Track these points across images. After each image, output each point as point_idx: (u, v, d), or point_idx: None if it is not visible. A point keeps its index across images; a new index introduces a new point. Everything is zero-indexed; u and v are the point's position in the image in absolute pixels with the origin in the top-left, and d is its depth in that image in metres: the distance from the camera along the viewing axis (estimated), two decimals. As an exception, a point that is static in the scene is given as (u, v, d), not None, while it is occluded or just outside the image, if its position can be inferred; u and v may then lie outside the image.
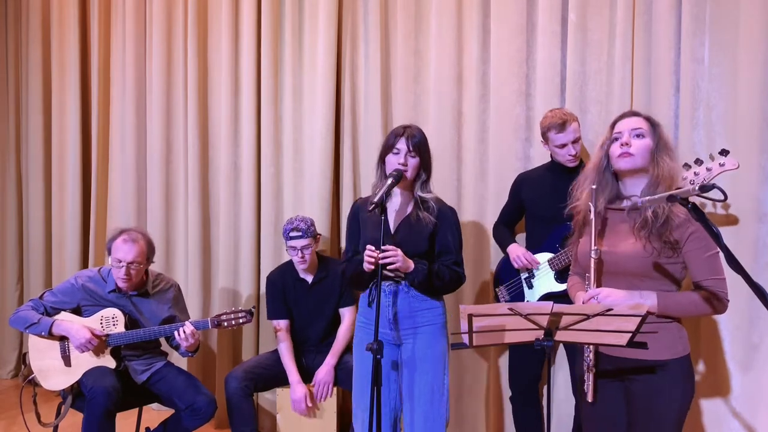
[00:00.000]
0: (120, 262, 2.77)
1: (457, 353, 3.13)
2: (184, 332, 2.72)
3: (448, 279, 2.29)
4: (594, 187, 1.92)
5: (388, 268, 2.20)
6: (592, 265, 1.88)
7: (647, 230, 1.83)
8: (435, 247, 2.33)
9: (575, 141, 2.66)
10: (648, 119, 1.92)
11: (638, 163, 1.87)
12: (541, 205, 2.75)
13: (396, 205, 2.37)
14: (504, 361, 3.11)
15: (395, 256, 2.18)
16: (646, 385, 1.86)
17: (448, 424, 2.34)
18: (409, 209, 2.35)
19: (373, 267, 2.20)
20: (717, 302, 1.82)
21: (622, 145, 1.88)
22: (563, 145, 2.66)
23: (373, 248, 2.19)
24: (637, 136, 1.88)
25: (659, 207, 1.81)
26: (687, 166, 2.48)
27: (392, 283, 2.32)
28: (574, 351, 2.49)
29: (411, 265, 2.25)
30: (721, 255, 1.61)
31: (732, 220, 2.63)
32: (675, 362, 1.85)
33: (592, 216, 1.90)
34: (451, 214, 2.37)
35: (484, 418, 3.20)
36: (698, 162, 2.46)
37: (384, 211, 2.20)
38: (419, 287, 2.29)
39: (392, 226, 2.34)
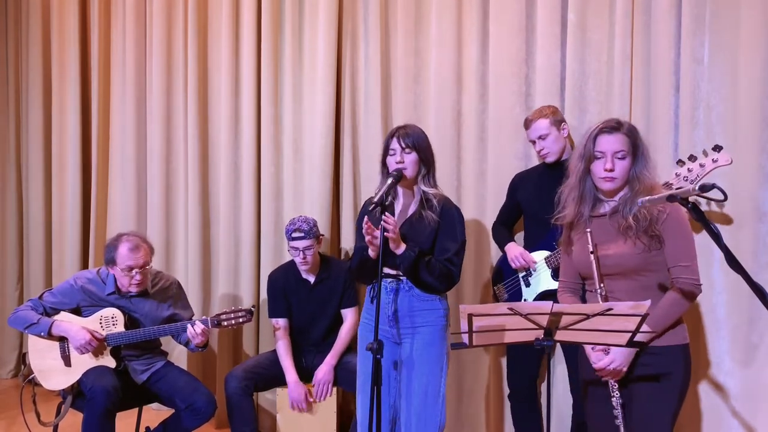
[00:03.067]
0: (131, 269, 2.77)
1: (457, 353, 3.13)
2: (195, 330, 2.72)
3: (438, 273, 2.25)
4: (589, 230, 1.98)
5: (385, 234, 2.17)
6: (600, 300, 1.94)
7: (633, 230, 1.92)
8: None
9: (542, 137, 2.72)
10: (627, 134, 1.95)
11: (619, 184, 1.98)
12: (537, 204, 2.75)
13: (401, 206, 2.38)
14: (504, 361, 3.10)
15: (393, 226, 2.16)
16: (643, 368, 1.95)
17: (443, 429, 2.30)
18: (414, 208, 2.35)
19: (369, 238, 2.19)
20: (690, 294, 1.91)
21: (605, 169, 1.94)
22: (533, 142, 2.78)
23: (366, 218, 2.18)
24: (620, 158, 1.94)
25: (639, 212, 1.90)
26: (681, 162, 2.49)
27: (394, 280, 2.32)
28: (573, 350, 2.49)
29: (402, 246, 2.24)
30: (719, 256, 1.63)
31: (732, 220, 2.63)
32: (675, 348, 1.94)
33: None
34: (455, 213, 2.36)
35: (484, 418, 3.20)
36: (692, 158, 2.47)
37: (384, 211, 2.19)
38: (407, 273, 2.26)
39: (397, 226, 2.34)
